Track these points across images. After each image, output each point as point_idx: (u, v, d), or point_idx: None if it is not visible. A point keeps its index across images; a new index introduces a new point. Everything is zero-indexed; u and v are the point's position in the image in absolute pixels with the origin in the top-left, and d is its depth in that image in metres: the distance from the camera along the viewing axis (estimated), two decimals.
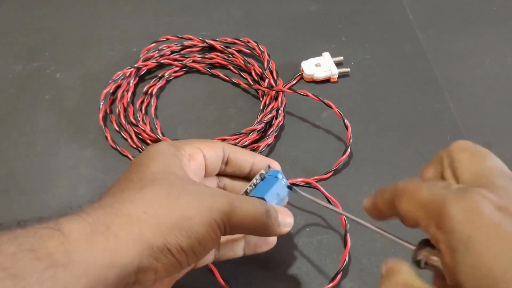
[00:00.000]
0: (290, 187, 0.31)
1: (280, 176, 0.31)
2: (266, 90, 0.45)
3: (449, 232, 0.18)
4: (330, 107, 0.43)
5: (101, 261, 0.21)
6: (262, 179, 0.31)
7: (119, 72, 0.47)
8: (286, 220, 0.29)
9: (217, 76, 0.48)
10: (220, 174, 0.32)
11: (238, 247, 0.31)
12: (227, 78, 0.48)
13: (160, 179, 0.25)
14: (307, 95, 0.43)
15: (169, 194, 0.24)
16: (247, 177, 0.32)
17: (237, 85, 0.48)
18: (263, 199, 0.29)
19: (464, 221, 0.18)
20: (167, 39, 0.49)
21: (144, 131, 0.43)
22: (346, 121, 0.42)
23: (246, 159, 0.32)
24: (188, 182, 0.26)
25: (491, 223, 0.17)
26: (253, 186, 0.30)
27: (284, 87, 0.47)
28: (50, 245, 0.20)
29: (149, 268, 0.22)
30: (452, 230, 0.18)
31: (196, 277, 0.35)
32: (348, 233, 0.36)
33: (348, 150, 0.42)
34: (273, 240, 0.31)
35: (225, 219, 0.25)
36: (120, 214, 0.23)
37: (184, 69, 0.49)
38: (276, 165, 0.33)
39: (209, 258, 0.31)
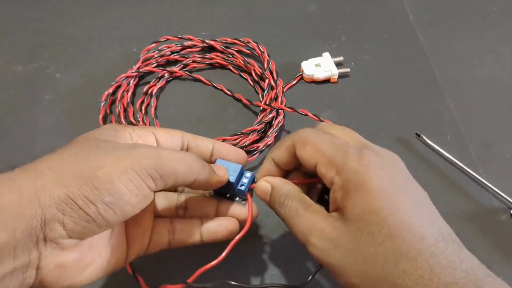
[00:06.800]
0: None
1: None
2: (266, 107, 0.44)
3: (347, 179, 0.24)
4: None
5: (9, 212, 0.21)
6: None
7: (122, 75, 0.47)
8: (220, 170, 0.29)
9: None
10: None
11: (194, 231, 0.30)
12: (229, 93, 0.47)
13: (76, 142, 0.25)
14: (306, 115, 0.41)
15: (79, 151, 0.24)
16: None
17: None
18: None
19: (360, 171, 0.24)
20: (167, 39, 0.49)
21: None
22: None
23: (207, 145, 0.31)
24: (108, 141, 0.25)
25: (378, 175, 0.24)
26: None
27: (284, 87, 0.47)
28: None
29: (55, 221, 0.21)
30: (350, 178, 0.24)
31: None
32: None
33: None
34: (233, 227, 0.30)
35: (148, 166, 0.24)
36: (26, 170, 0.22)
37: (184, 70, 0.49)
38: (240, 152, 0.32)
39: (162, 242, 0.30)
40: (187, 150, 0.31)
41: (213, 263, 0.27)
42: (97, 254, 0.25)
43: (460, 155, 0.43)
